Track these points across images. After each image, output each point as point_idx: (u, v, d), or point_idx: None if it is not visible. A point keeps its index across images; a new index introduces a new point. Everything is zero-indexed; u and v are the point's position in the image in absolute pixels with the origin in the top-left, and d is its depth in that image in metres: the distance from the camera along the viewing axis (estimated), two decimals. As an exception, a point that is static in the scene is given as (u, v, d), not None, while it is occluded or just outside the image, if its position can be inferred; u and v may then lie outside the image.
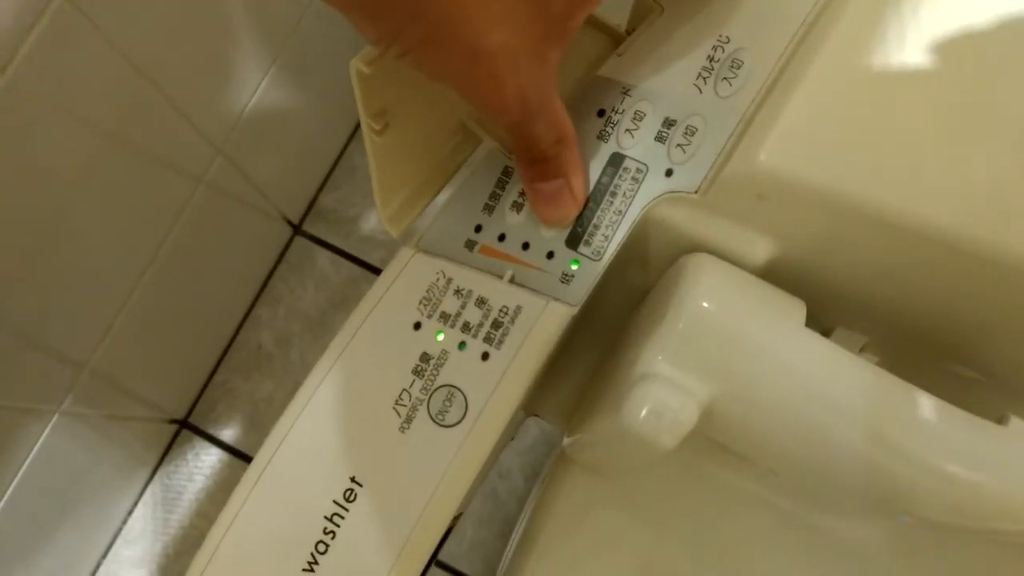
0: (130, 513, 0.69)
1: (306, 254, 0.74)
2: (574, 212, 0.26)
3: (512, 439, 0.35)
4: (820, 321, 0.25)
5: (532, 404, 0.32)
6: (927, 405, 0.22)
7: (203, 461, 0.70)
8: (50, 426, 0.54)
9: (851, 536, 0.30)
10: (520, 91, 0.22)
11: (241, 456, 0.71)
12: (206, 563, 0.24)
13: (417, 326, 0.25)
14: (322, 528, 0.24)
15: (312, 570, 0.23)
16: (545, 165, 0.24)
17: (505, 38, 0.20)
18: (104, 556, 0.68)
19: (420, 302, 0.25)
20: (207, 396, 0.72)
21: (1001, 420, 0.22)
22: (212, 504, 0.69)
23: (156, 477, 0.70)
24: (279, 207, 0.71)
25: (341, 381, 0.25)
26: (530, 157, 0.24)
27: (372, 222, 0.74)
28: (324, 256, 0.74)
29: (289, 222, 0.74)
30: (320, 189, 0.75)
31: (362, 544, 0.23)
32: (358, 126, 0.75)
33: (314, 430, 0.24)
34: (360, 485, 0.24)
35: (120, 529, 0.69)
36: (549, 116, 0.23)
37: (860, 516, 0.30)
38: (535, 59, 0.21)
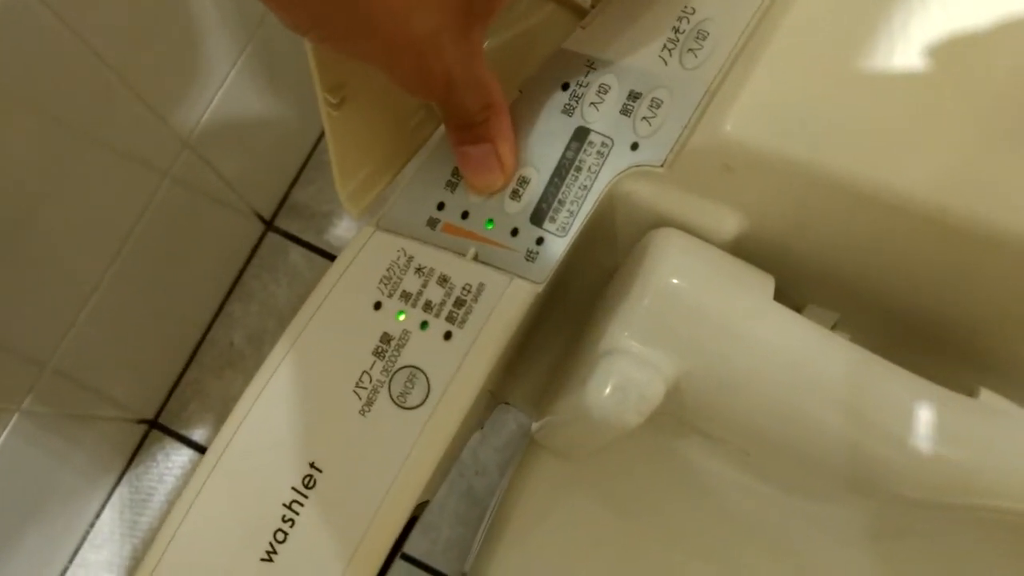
0: (97, 516, 0.67)
1: (279, 250, 0.73)
2: (500, 180, 0.25)
3: (481, 427, 0.34)
4: (792, 298, 0.25)
5: (502, 390, 0.31)
6: (899, 379, 0.22)
7: (173, 462, 0.69)
8: (9, 426, 0.52)
9: (829, 520, 0.29)
10: (446, 73, 0.22)
11: (213, 456, 0.69)
12: (161, 553, 0.24)
13: (377, 306, 0.24)
14: (281, 516, 0.23)
15: (271, 559, 0.23)
16: (472, 130, 0.24)
17: (427, 23, 0.20)
18: (71, 560, 0.66)
19: (380, 281, 0.25)
20: (178, 395, 0.70)
21: (971, 393, 0.22)
22: (183, 506, 0.68)
23: (125, 479, 0.68)
24: (250, 202, 0.70)
25: (299, 364, 0.24)
26: (457, 123, 0.24)
27: (346, 218, 0.73)
28: (297, 252, 0.73)
29: (261, 218, 0.73)
30: (292, 184, 0.74)
31: (322, 531, 0.23)
32: (331, 120, 0.74)
33: (272, 415, 0.24)
34: (320, 471, 0.23)
35: (87, 532, 0.67)
36: (476, 87, 0.23)
37: (837, 497, 0.29)
38: (458, 37, 0.21)
